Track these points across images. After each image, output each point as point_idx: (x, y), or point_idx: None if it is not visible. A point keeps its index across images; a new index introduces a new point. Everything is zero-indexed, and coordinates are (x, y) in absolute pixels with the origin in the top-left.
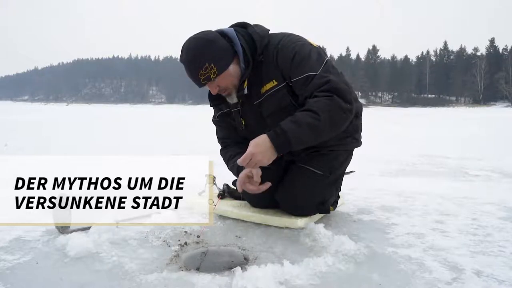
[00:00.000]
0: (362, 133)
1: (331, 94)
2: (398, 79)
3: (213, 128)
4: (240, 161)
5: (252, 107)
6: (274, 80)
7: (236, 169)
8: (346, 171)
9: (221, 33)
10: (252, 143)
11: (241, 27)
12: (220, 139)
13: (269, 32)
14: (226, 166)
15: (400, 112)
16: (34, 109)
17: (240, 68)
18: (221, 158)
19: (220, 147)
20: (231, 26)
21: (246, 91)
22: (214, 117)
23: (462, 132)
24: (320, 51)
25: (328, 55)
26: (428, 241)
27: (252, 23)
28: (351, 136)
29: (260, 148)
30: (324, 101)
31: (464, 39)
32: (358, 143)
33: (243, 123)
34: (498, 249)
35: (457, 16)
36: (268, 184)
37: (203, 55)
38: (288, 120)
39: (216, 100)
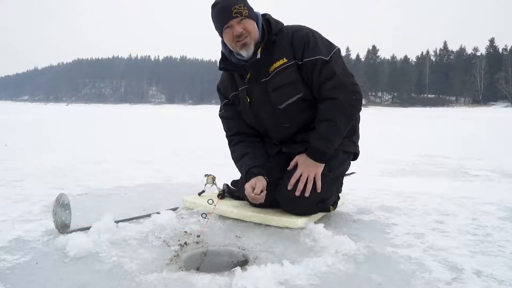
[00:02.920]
0: (361, 135)
1: (336, 96)
2: (398, 79)
3: (212, 128)
4: (292, 181)
5: (259, 84)
6: (284, 58)
7: (245, 173)
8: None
9: None
10: (300, 165)
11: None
12: (226, 132)
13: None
14: (224, 166)
15: (400, 112)
16: (34, 109)
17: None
18: (221, 158)
19: (227, 142)
20: None
21: (258, 56)
22: (220, 110)
23: (462, 132)
24: (330, 41)
25: None
26: (428, 241)
27: None
28: (349, 137)
29: (307, 166)
30: (333, 106)
31: (464, 39)
32: (355, 147)
33: (248, 100)
34: (498, 249)
35: (457, 16)
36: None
37: None
38: (315, 138)
39: (226, 64)
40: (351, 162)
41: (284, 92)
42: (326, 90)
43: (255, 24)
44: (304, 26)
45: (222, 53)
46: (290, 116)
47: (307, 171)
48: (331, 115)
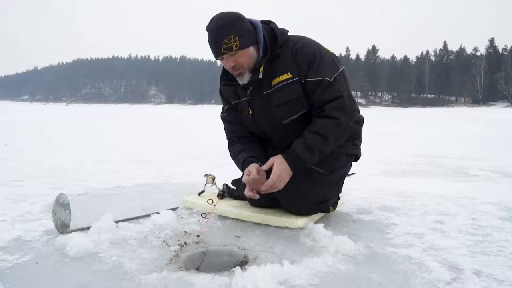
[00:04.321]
0: (363, 135)
1: (338, 116)
2: (397, 79)
3: (212, 128)
4: (270, 183)
5: (261, 97)
6: (289, 73)
7: (241, 165)
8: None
9: (249, 20)
10: (276, 167)
11: (264, 23)
12: (228, 135)
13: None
14: (224, 166)
15: (400, 112)
16: (34, 109)
17: (258, 55)
18: (221, 158)
19: (228, 143)
20: None
21: (260, 75)
22: (222, 112)
23: (462, 132)
24: (335, 58)
25: None
26: (428, 241)
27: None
28: (352, 141)
29: (281, 170)
30: (332, 125)
31: (463, 39)
32: (357, 150)
33: (250, 112)
34: (497, 249)
35: (457, 16)
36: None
37: (232, 26)
38: (301, 144)
39: (227, 81)
40: (352, 163)
41: (288, 109)
42: (329, 109)
43: (250, 51)
44: (310, 41)
45: (223, 67)
46: (294, 129)
47: (281, 176)
48: (325, 132)
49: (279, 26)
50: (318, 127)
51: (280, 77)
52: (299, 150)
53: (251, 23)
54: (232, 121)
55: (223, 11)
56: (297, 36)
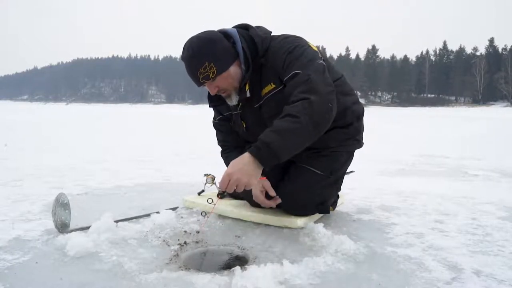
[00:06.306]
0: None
1: (308, 96)
2: (397, 79)
3: (212, 128)
4: (220, 187)
5: (252, 110)
6: (272, 83)
7: None
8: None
9: (224, 33)
10: (230, 164)
11: (243, 28)
12: (220, 141)
13: (271, 34)
14: (224, 166)
15: (400, 111)
16: (33, 108)
17: (241, 71)
18: (221, 158)
19: (220, 149)
20: (234, 27)
21: (248, 94)
22: (214, 119)
23: (462, 132)
24: (316, 54)
25: (328, 55)
26: (428, 240)
27: (253, 23)
28: (353, 138)
29: (237, 167)
30: (301, 105)
31: (463, 39)
32: (359, 144)
33: (244, 125)
34: (497, 249)
35: (456, 16)
36: (278, 199)
37: (204, 53)
38: (267, 131)
39: (215, 102)
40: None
41: None
42: (296, 93)
43: (231, 72)
44: (288, 40)
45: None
46: None
47: (237, 173)
48: (294, 111)
49: (276, 25)
50: (285, 111)
51: (266, 88)
52: (265, 138)
53: (228, 35)
54: (226, 130)
55: (193, 34)
56: (279, 38)
